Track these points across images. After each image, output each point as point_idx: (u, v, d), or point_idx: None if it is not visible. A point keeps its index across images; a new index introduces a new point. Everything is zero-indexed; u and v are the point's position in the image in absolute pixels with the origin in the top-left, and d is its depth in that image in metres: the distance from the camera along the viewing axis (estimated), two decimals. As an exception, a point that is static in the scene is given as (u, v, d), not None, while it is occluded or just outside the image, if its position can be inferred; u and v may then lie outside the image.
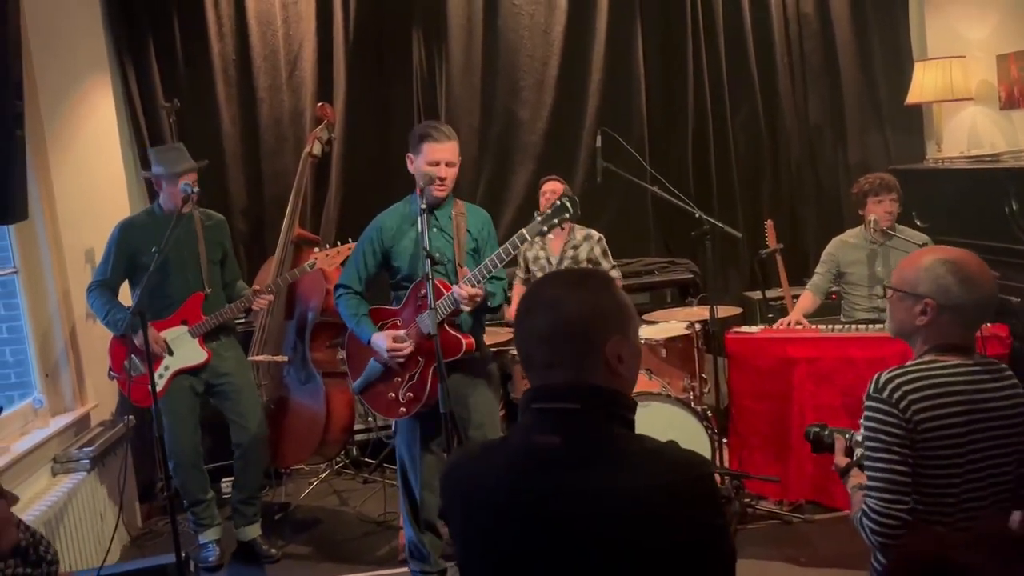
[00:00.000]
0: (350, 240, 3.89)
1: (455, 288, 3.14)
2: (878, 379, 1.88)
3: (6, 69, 2.37)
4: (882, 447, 1.85)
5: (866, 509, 1.87)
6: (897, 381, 1.86)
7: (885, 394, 1.85)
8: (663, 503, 1.25)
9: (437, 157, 3.22)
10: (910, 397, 1.83)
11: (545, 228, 3.11)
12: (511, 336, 4.43)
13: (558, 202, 3.11)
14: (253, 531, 4.01)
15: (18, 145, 2.45)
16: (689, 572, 1.27)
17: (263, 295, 3.90)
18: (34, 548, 2.11)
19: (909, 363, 1.92)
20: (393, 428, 3.48)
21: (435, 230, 3.29)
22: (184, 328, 3.81)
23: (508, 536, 1.32)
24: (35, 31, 3.89)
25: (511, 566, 1.33)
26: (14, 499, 2.19)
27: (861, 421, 1.93)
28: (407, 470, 3.41)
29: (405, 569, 3.59)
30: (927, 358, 1.93)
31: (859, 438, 2.02)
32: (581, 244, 4.67)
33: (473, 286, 3.13)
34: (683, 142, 5.41)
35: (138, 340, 3.64)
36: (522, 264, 4.80)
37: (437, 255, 3.17)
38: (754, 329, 4.13)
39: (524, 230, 3.13)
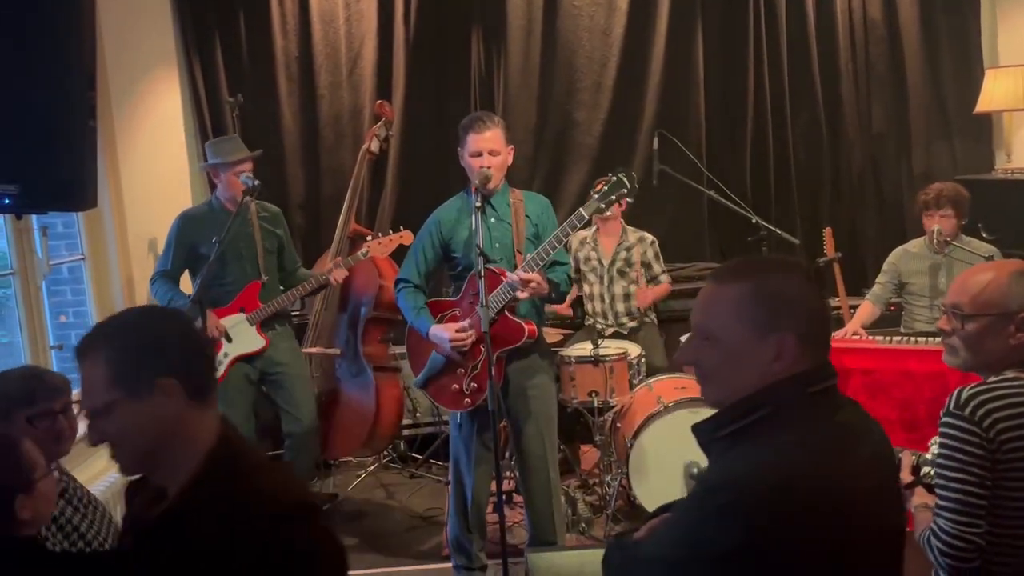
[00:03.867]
0: (402, 228, 3.94)
1: (510, 274, 3.09)
2: (959, 395, 1.78)
3: (81, 60, 2.43)
4: (959, 467, 1.75)
5: (935, 529, 1.78)
6: (981, 398, 1.75)
7: (967, 411, 1.75)
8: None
9: (479, 147, 3.19)
10: (995, 415, 1.73)
11: (603, 204, 3.06)
12: (561, 336, 4.42)
13: (613, 177, 3.03)
14: (301, 520, 4.06)
15: (90, 134, 2.52)
16: None
17: (339, 268, 3.94)
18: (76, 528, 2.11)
19: (992, 380, 1.81)
20: (458, 422, 3.47)
21: (493, 220, 3.26)
22: (242, 315, 3.89)
23: (876, 521, 1.36)
24: (107, 24, 4.02)
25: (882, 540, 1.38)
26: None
27: (935, 440, 1.83)
28: (460, 465, 3.40)
29: (448, 564, 3.61)
30: (1010, 374, 1.81)
31: (928, 457, 1.92)
32: (634, 245, 4.63)
33: (532, 271, 3.08)
34: (742, 146, 5.32)
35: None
36: (572, 264, 4.77)
37: (497, 247, 3.16)
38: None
39: (581, 209, 3.08)
